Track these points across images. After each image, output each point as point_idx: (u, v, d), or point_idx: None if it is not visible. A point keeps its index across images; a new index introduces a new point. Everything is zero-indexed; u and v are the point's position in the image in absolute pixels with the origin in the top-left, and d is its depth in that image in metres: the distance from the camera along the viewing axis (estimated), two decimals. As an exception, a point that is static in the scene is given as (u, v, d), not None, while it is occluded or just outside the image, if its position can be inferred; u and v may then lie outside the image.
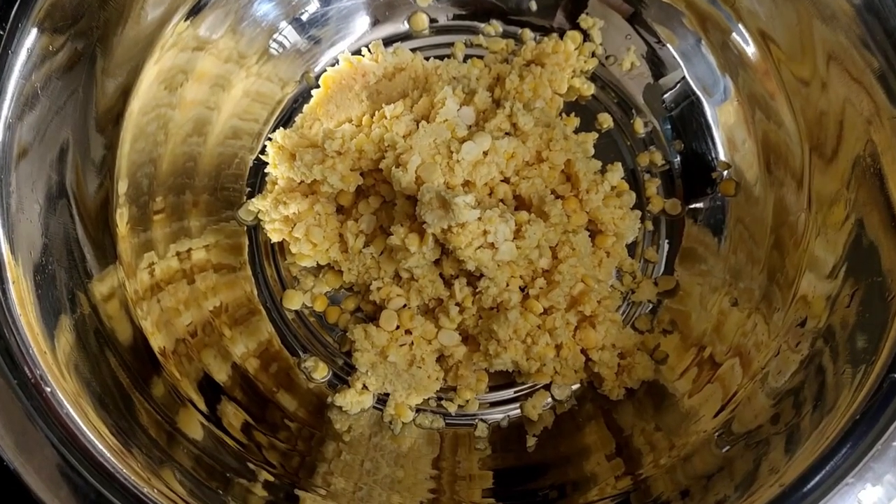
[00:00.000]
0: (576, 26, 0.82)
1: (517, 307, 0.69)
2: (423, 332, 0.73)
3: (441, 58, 0.81)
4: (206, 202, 0.77)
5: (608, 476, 0.67)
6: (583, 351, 0.73)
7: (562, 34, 0.82)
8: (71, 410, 0.54)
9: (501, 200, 0.72)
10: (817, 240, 0.66)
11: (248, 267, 0.79)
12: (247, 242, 0.80)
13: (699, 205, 0.78)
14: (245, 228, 0.80)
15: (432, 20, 0.85)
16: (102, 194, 0.66)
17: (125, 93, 0.68)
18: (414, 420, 0.75)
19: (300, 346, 0.78)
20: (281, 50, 0.81)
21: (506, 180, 0.73)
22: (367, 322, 0.75)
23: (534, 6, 0.83)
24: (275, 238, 0.76)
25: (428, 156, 0.69)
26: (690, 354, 0.73)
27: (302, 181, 0.73)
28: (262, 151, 0.78)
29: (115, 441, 0.56)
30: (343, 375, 0.77)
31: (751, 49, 0.73)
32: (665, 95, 0.81)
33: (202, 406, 0.66)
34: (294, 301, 0.78)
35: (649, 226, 0.79)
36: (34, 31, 0.59)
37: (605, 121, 0.81)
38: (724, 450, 0.61)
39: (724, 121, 0.77)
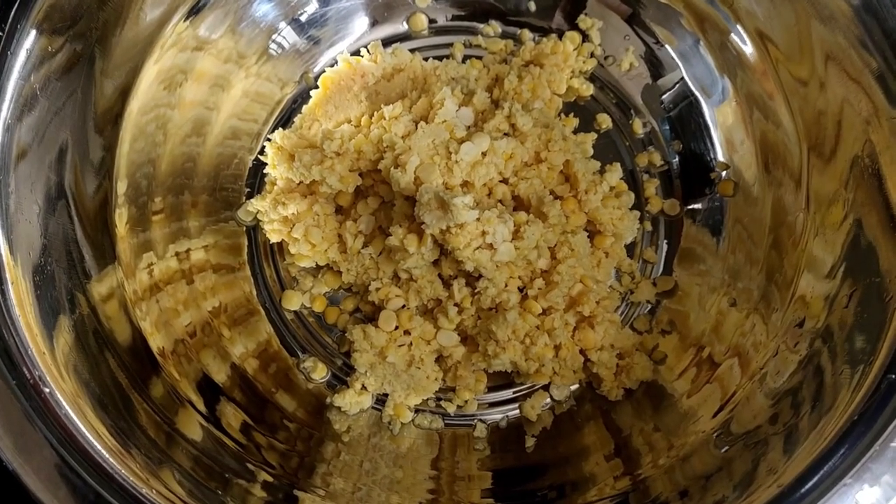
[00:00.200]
0: (574, 27, 0.82)
1: (516, 308, 0.69)
2: (422, 332, 0.73)
3: (440, 58, 0.81)
4: (205, 202, 0.77)
5: (607, 476, 0.67)
6: (581, 351, 0.73)
7: (560, 35, 0.82)
8: (70, 411, 0.54)
9: (500, 201, 0.72)
10: (815, 240, 0.66)
11: (247, 267, 0.79)
12: (246, 243, 0.80)
13: (698, 205, 0.78)
14: (244, 229, 0.80)
15: (431, 21, 0.85)
16: (101, 195, 0.66)
17: (124, 93, 0.68)
18: (413, 420, 0.75)
19: (299, 346, 0.78)
20: (280, 50, 0.81)
21: (504, 181, 0.73)
22: (366, 322, 0.75)
23: (532, 7, 0.83)
24: (274, 238, 0.76)
25: (426, 156, 0.69)
26: (689, 355, 0.73)
27: (301, 182, 0.73)
28: (262, 152, 0.78)
29: (113, 442, 0.56)
30: (342, 376, 0.77)
31: (749, 49, 0.73)
32: (663, 96, 0.81)
33: (201, 406, 0.66)
34: (293, 301, 0.78)
35: (648, 226, 0.79)
36: (33, 33, 0.59)
37: (604, 121, 0.81)
38: (722, 450, 0.61)
39: (722, 121, 0.77)
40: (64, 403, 0.54)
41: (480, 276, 0.69)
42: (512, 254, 0.67)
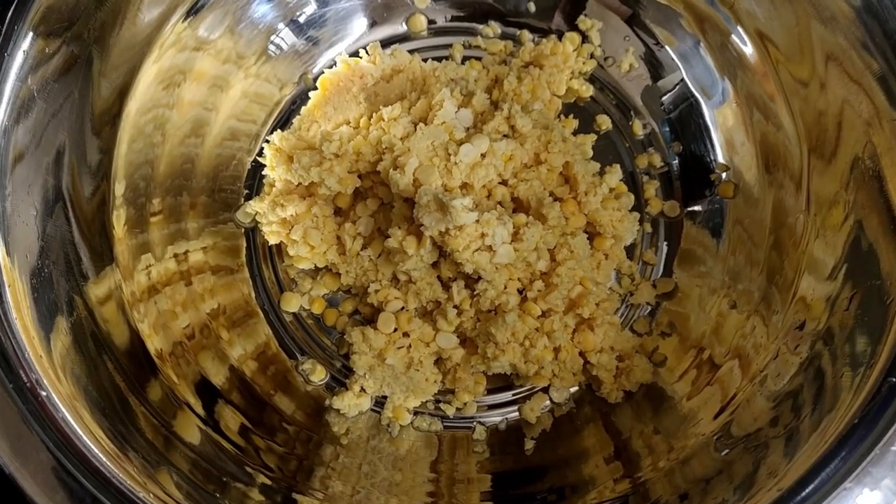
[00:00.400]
0: (574, 28, 0.82)
1: (515, 310, 0.69)
2: (421, 334, 0.72)
3: (439, 59, 0.81)
4: (203, 204, 0.77)
5: (607, 479, 0.67)
6: (581, 354, 0.73)
7: (560, 36, 0.82)
8: (67, 414, 0.54)
9: (499, 203, 0.72)
10: (816, 242, 0.65)
11: (245, 269, 0.79)
12: (244, 244, 0.79)
13: (698, 207, 0.78)
14: (243, 230, 0.80)
15: (430, 21, 0.84)
16: (99, 197, 0.66)
17: (122, 94, 0.68)
18: (412, 423, 0.75)
19: (298, 348, 0.77)
20: (279, 51, 0.81)
21: (504, 182, 0.73)
22: (365, 324, 0.75)
23: (532, 8, 0.83)
24: (272, 240, 0.76)
25: (426, 158, 0.69)
26: (689, 357, 0.73)
27: (299, 183, 0.73)
28: (260, 153, 0.78)
29: (111, 445, 0.55)
30: (341, 378, 0.76)
31: (749, 50, 0.73)
32: (663, 97, 0.81)
33: (199, 409, 0.66)
34: (292, 303, 0.77)
35: (648, 228, 0.79)
36: (30, 34, 0.59)
37: (604, 122, 0.81)
38: (722, 453, 0.61)
39: (722, 123, 0.77)
40: (61, 407, 0.54)
41: (480, 278, 0.69)
42: (511, 256, 0.67)
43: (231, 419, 0.68)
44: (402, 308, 0.73)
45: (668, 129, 0.81)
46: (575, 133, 0.80)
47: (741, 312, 0.71)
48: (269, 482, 0.64)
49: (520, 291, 0.71)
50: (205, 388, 0.69)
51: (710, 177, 0.78)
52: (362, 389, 0.74)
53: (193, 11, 0.72)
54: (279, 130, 0.76)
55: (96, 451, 0.54)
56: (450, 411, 0.75)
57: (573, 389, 0.75)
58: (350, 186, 0.73)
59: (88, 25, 0.63)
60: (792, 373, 0.61)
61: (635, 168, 0.80)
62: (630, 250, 0.78)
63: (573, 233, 0.72)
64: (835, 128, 0.64)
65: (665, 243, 0.79)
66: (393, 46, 0.82)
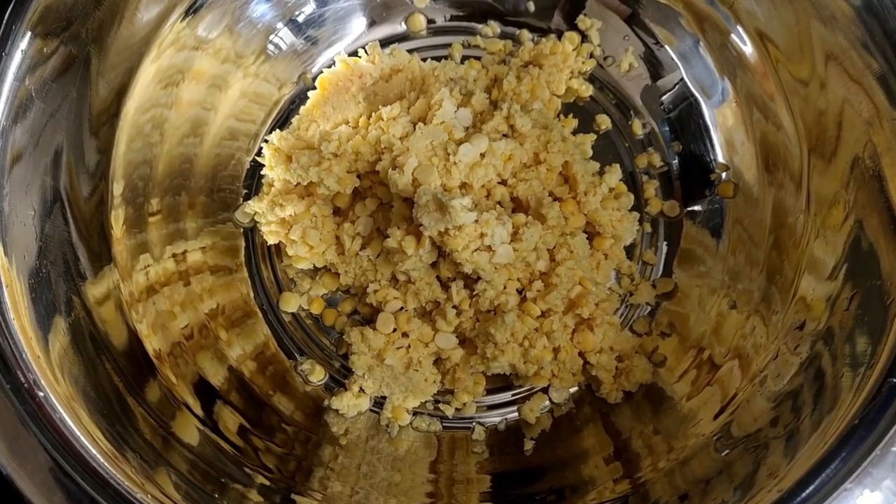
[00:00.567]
0: (573, 27, 0.82)
1: (514, 310, 0.69)
2: (420, 334, 0.72)
3: (438, 59, 0.81)
4: (202, 204, 0.77)
5: (606, 479, 0.66)
6: (580, 354, 0.73)
7: (559, 35, 0.81)
8: (64, 415, 0.54)
9: (499, 203, 0.72)
10: (816, 242, 0.65)
11: (244, 269, 0.79)
12: (243, 244, 0.79)
13: (697, 206, 0.78)
14: (241, 230, 0.79)
15: (430, 21, 0.84)
16: (97, 197, 0.66)
17: (120, 94, 0.67)
18: (411, 423, 0.74)
19: (297, 348, 0.77)
20: (277, 51, 0.81)
21: (503, 182, 0.72)
22: (364, 324, 0.75)
23: (531, 7, 0.83)
24: (271, 240, 0.76)
25: (425, 158, 0.69)
26: (689, 357, 0.72)
27: (298, 183, 0.73)
28: (259, 153, 0.78)
29: (108, 446, 0.55)
30: (340, 378, 0.76)
31: (749, 50, 0.73)
32: (663, 97, 0.80)
33: (198, 410, 0.66)
34: (291, 303, 0.77)
35: (647, 228, 0.79)
36: (28, 34, 0.59)
37: (604, 122, 0.81)
38: (722, 453, 0.61)
39: (722, 122, 0.77)
40: (59, 407, 0.54)
41: (479, 278, 0.69)
42: (510, 256, 0.67)
43: (230, 419, 0.68)
44: (402, 308, 0.73)
45: (667, 128, 0.80)
46: (574, 133, 0.79)
47: (741, 312, 0.70)
48: (267, 483, 0.64)
49: (519, 291, 0.71)
50: (203, 389, 0.69)
51: (709, 176, 0.78)
52: (361, 390, 0.74)
53: (192, 11, 0.72)
54: (278, 130, 0.76)
55: (94, 451, 0.54)
56: (449, 412, 0.75)
57: (573, 390, 0.75)
58: (349, 186, 0.72)
59: (86, 25, 0.63)
60: (792, 373, 0.61)
61: (635, 168, 0.80)
62: (630, 250, 0.78)
63: (572, 233, 0.72)
64: (835, 127, 0.64)
65: (665, 243, 0.79)
66: (392, 46, 0.82)
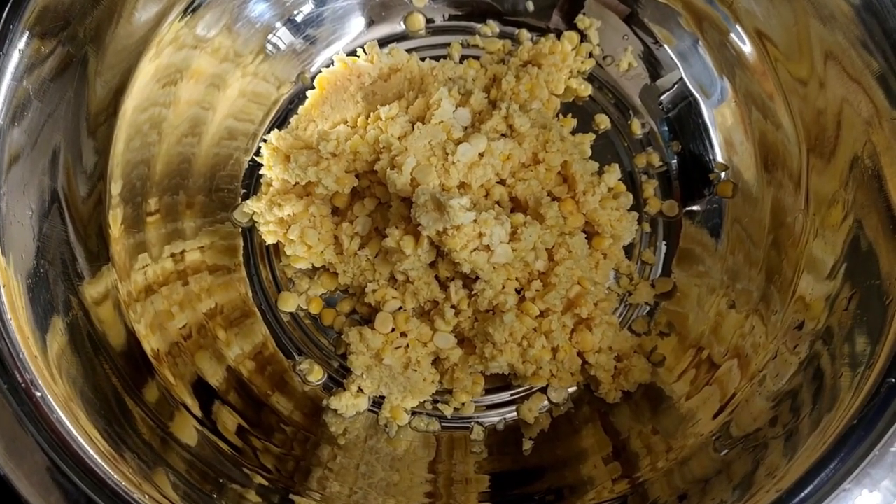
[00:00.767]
0: (572, 27, 0.82)
1: (513, 310, 0.69)
2: (419, 334, 0.72)
3: (437, 58, 0.81)
4: (200, 203, 0.77)
5: (605, 479, 0.66)
6: (579, 354, 0.72)
7: (558, 35, 0.81)
8: (62, 415, 0.54)
9: (497, 202, 0.72)
10: (815, 241, 0.65)
11: (242, 269, 0.79)
12: (242, 244, 0.79)
13: (696, 206, 0.78)
14: (240, 230, 0.79)
15: (428, 20, 0.84)
16: (95, 197, 0.66)
17: (118, 93, 0.67)
18: (409, 423, 0.74)
19: (295, 348, 0.77)
20: (276, 50, 0.81)
21: (502, 182, 0.72)
22: (363, 324, 0.75)
23: (530, 7, 0.83)
24: (269, 240, 0.76)
25: (423, 158, 0.68)
26: (688, 356, 0.72)
27: (297, 183, 0.73)
28: (258, 153, 0.78)
29: (106, 446, 0.55)
30: (338, 378, 0.76)
31: (748, 49, 0.72)
32: (662, 96, 0.80)
33: (196, 410, 0.66)
34: (289, 303, 0.77)
35: (646, 227, 0.79)
36: (26, 34, 0.58)
37: (603, 122, 0.81)
38: (721, 453, 0.61)
39: (721, 122, 0.77)
40: (56, 407, 0.54)
41: (477, 277, 0.69)
42: (509, 255, 0.67)
43: (228, 420, 0.68)
44: (400, 308, 0.73)
45: (666, 128, 0.80)
46: (573, 132, 0.79)
47: (740, 312, 0.70)
48: (266, 483, 0.64)
49: (518, 291, 0.71)
50: (202, 389, 0.68)
51: (708, 176, 0.78)
52: (360, 389, 0.74)
53: (191, 10, 0.72)
54: (276, 130, 0.76)
55: (91, 451, 0.54)
56: (448, 411, 0.75)
57: (571, 389, 0.75)
58: (347, 186, 0.72)
59: (84, 25, 0.63)
60: (791, 373, 0.61)
61: (634, 167, 0.80)
62: (628, 250, 0.78)
63: (571, 232, 0.72)
64: (834, 127, 0.64)
65: (664, 243, 0.79)
66: (391, 45, 0.82)
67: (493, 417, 0.75)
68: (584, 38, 0.82)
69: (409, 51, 0.81)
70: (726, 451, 0.61)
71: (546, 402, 0.75)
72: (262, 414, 0.71)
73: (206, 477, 0.60)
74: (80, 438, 0.54)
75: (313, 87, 0.79)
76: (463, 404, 0.75)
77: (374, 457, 0.71)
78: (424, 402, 0.75)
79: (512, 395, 0.76)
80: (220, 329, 0.74)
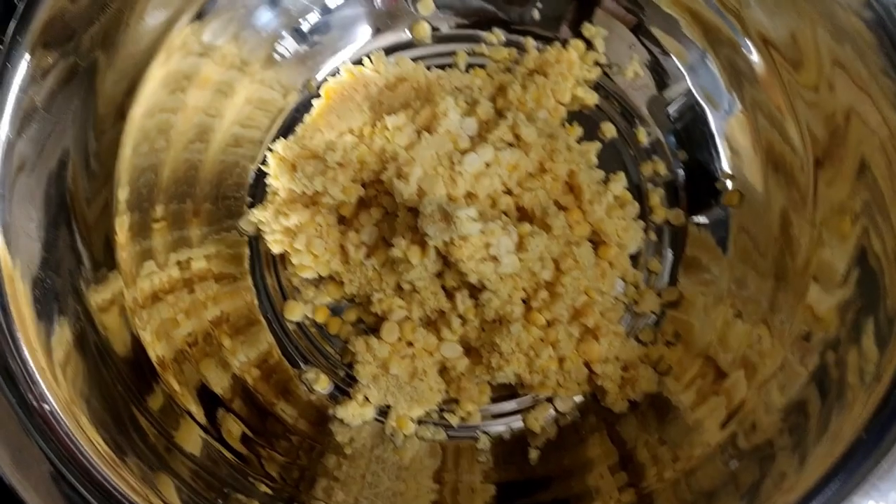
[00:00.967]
0: (578, 35, 0.82)
1: (520, 320, 0.69)
2: (425, 344, 0.72)
3: (443, 66, 0.81)
4: (207, 211, 0.77)
5: (611, 489, 0.66)
6: (586, 363, 0.72)
7: (564, 43, 0.81)
8: (69, 426, 0.54)
9: (504, 212, 0.71)
10: (823, 252, 0.65)
11: (248, 277, 0.79)
12: (248, 252, 0.79)
13: (703, 215, 0.78)
14: (246, 238, 0.79)
15: (434, 29, 0.84)
16: (102, 203, 0.66)
17: (126, 99, 0.67)
18: (416, 432, 0.74)
19: (301, 357, 0.77)
20: (283, 58, 0.81)
21: (508, 192, 0.72)
22: (369, 333, 0.74)
23: (536, 15, 0.83)
24: (275, 249, 0.76)
25: (430, 168, 0.68)
26: (695, 366, 0.72)
27: (303, 192, 0.73)
28: (264, 162, 0.78)
29: (112, 455, 0.55)
30: (344, 387, 0.76)
31: (756, 59, 0.72)
32: (669, 106, 0.80)
33: (201, 418, 0.66)
34: (295, 312, 0.77)
35: (653, 236, 0.79)
36: (33, 46, 0.58)
37: (608, 130, 0.81)
38: (729, 464, 0.61)
39: (728, 132, 0.77)
40: (63, 418, 0.54)
41: (484, 287, 0.69)
42: (516, 266, 0.67)
43: (233, 428, 0.68)
44: (406, 317, 0.73)
45: (673, 137, 0.80)
46: (579, 140, 0.79)
47: (747, 322, 0.70)
48: (270, 492, 0.64)
49: (524, 301, 0.71)
50: (207, 397, 0.68)
51: (715, 185, 0.77)
52: (366, 399, 0.74)
53: (199, 17, 0.72)
54: (283, 139, 0.76)
55: (98, 462, 0.54)
56: (454, 421, 0.74)
57: (578, 399, 0.75)
58: (354, 195, 0.72)
59: (92, 34, 0.63)
60: (799, 384, 0.61)
61: (640, 176, 0.80)
62: (634, 259, 0.78)
63: (578, 242, 0.72)
64: (842, 137, 0.64)
65: (670, 252, 0.78)
66: (397, 54, 0.82)
67: (499, 426, 0.75)
68: (589, 46, 0.82)
69: (415, 59, 0.81)
70: (733, 462, 0.60)
71: (552, 412, 0.75)
72: (267, 422, 0.71)
73: (211, 485, 0.60)
74: (86, 449, 0.54)
75: (319, 96, 0.79)
76: (469, 413, 0.74)
77: (380, 466, 0.71)
78: (430, 411, 0.75)
79: (518, 404, 0.75)
80: (226, 337, 0.74)
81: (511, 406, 0.75)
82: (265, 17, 0.78)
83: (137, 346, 0.65)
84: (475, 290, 0.71)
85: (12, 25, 0.58)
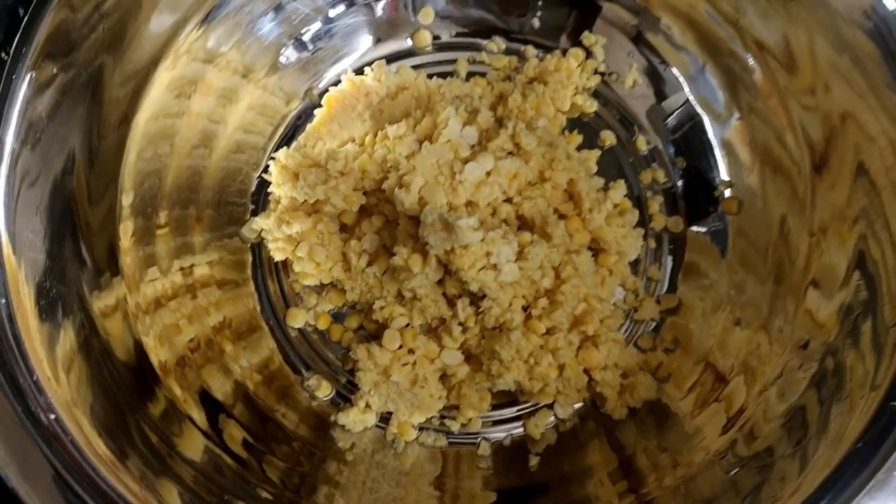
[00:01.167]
0: (578, 44, 0.82)
1: (520, 328, 0.69)
2: (426, 351, 0.72)
3: (444, 75, 0.81)
4: (210, 217, 0.77)
5: (611, 496, 0.66)
6: (585, 370, 0.73)
7: (564, 51, 0.82)
8: (73, 435, 0.54)
9: (504, 221, 0.72)
10: (821, 259, 0.65)
11: (251, 283, 0.79)
12: (250, 259, 0.80)
13: (702, 222, 0.78)
14: (248, 245, 0.80)
15: (435, 37, 0.85)
16: (106, 209, 0.66)
17: (132, 103, 0.68)
18: (417, 439, 0.75)
19: (303, 363, 0.78)
20: (286, 66, 0.81)
21: (508, 200, 0.72)
22: (371, 340, 0.75)
23: (536, 24, 0.83)
24: (278, 257, 0.76)
25: (431, 176, 0.69)
26: (694, 373, 0.72)
27: (305, 200, 0.73)
28: (266, 170, 0.78)
29: (114, 459, 0.55)
30: (346, 393, 0.76)
31: (753, 68, 0.73)
32: (668, 114, 0.81)
33: (202, 424, 0.66)
34: (297, 319, 0.78)
35: (652, 243, 0.79)
36: (38, 56, 0.59)
37: (608, 138, 0.81)
38: (728, 472, 0.61)
39: (726, 139, 0.77)
40: (68, 427, 0.54)
41: (484, 295, 0.69)
42: (516, 274, 0.67)
43: (234, 433, 0.68)
44: (408, 325, 0.73)
45: (672, 144, 0.81)
46: (578, 148, 0.80)
47: (746, 328, 0.70)
48: (271, 498, 0.64)
49: (524, 309, 0.71)
50: (208, 402, 0.69)
51: (714, 193, 0.78)
52: (367, 405, 0.74)
53: (205, 22, 0.73)
54: (285, 148, 0.77)
55: (100, 467, 0.54)
56: (454, 427, 0.75)
57: (577, 405, 0.75)
58: (355, 204, 0.73)
59: (95, 40, 0.63)
60: (797, 391, 0.61)
61: (639, 184, 0.80)
62: (634, 266, 0.78)
63: (577, 250, 0.72)
64: (840, 144, 0.64)
65: (669, 259, 0.79)
66: (398, 63, 0.82)
67: (499, 433, 0.75)
68: (589, 54, 0.82)
69: (416, 67, 0.82)
70: (732, 469, 0.61)
71: (552, 418, 0.75)
72: (269, 428, 0.72)
73: (212, 491, 0.60)
74: (89, 455, 0.54)
75: (321, 105, 0.80)
76: (470, 420, 0.75)
77: (381, 472, 0.71)
78: (431, 417, 0.75)
79: (518, 410, 0.76)
80: (228, 343, 0.74)
81: (511, 412, 0.76)
82: (269, 25, 0.79)
83: (140, 351, 0.66)
84: (476, 298, 0.71)
85: (17, 36, 0.58)
